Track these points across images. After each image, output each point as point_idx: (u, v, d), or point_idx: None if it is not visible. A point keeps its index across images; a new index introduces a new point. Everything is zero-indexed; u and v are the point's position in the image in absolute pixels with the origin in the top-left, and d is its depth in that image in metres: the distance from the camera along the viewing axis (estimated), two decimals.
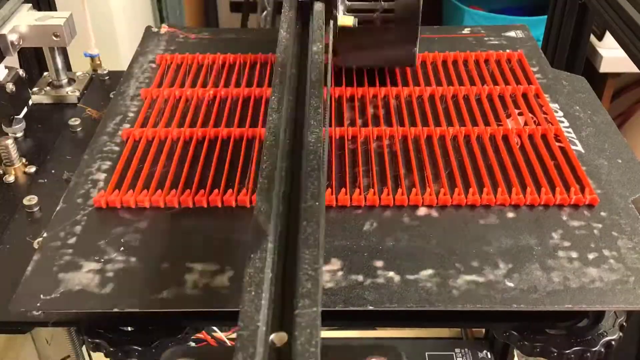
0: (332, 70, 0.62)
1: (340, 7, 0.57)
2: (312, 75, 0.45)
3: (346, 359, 0.25)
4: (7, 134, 0.62)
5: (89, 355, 0.66)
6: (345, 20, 0.55)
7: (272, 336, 0.26)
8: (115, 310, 0.41)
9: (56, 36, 0.66)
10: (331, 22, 0.56)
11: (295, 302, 0.27)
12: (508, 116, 0.58)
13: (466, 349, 0.99)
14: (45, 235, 0.47)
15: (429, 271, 0.43)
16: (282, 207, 0.34)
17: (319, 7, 0.55)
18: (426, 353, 0.97)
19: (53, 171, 0.57)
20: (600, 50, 1.21)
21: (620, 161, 0.54)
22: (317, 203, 0.32)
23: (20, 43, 0.65)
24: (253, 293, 0.28)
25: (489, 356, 0.98)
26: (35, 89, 0.69)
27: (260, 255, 0.30)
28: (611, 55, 1.20)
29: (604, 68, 1.22)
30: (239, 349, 0.25)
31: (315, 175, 0.35)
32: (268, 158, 0.37)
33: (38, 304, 0.41)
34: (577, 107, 0.61)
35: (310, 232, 0.30)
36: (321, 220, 0.32)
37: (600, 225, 0.47)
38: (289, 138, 0.41)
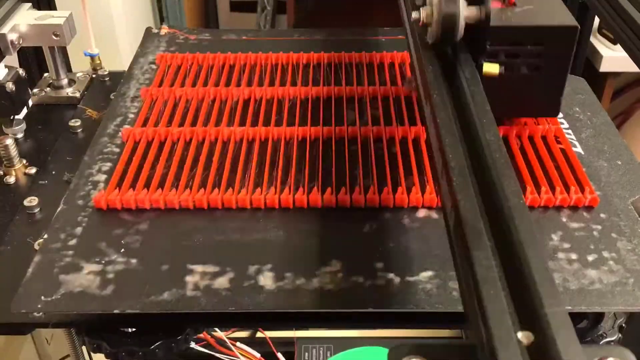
0: None
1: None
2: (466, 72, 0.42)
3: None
4: (7, 135, 0.62)
5: (90, 356, 0.66)
6: (490, 67, 0.46)
7: (518, 335, 0.26)
8: (116, 311, 0.41)
9: (56, 35, 0.66)
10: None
11: (540, 301, 0.26)
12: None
13: None
14: (45, 236, 0.47)
15: (429, 273, 0.44)
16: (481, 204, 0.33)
17: (465, 57, 0.45)
18: None
19: (53, 172, 0.57)
20: (601, 50, 1.21)
21: (619, 163, 0.54)
22: (521, 201, 0.32)
23: (20, 42, 0.66)
24: (492, 292, 0.27)
25: None
26: (35, 90, 0.69)
27: (485, 253, 0.29)
28: (611, 54, 1.20)
29: (604, 67, 1.22)
30: (496, 350, 0.25)
31: (509, 173, 0.34)
32: (454, 156, 0.35)
33: (39, 306, 0.42)
34: (577, 109, 0.61)
35: (526, 231, 0.30)
36: (530, 219, 0.31)
37: (599, 227, 0.47)
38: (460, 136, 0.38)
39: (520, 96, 0.52)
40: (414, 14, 0.45)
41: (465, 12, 0.43)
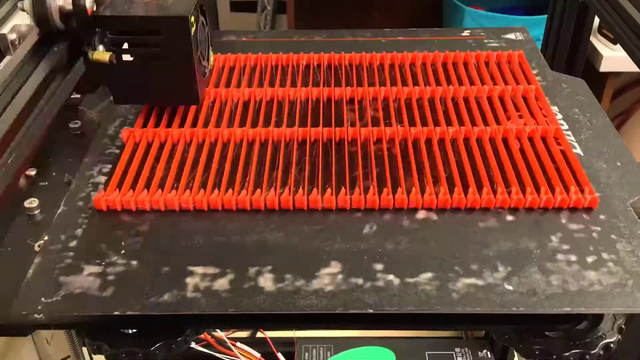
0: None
1: (99, 43, 0.54)
2: None
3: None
4: None
5: (90, 357, 0.67)
6: (101, 55, 0.52)
7: None
8: (116, 313, 0.41)
9: None
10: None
11: None
12: (508, 118, 0.58)
13: (466, 349, 0.99)
14: (46, 238, 0.47)
15: (429, 274, 0.44)
16: None
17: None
18: (426, 352, 0.98)
19: (54, 174, 0.57)
20: (601, 50, 1.21)
21: (619, 164, 0.54)
22: None
23: (20, 42, 0.65)
24: None
25: (489, 355, 0.98)
26: None
27: None
28: (611, 54, 1.20)
29: (604, 67, 1.22)
30: None
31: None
32: None
33: (39, 307, 0.42)
34: (577, 110, 0.61)
35: None
36: None
37: (599, 229, 0.47)
38: None
39: (157, 84, 0.56)
40: (19, 4, 0.51)
41: (60, 2, 0.50)
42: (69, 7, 0.50)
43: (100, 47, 0.53)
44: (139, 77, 0.56)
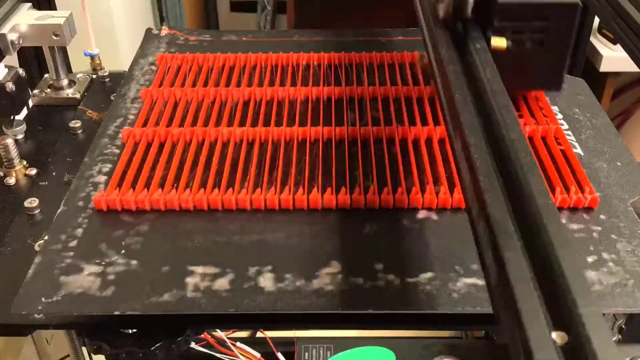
0: None
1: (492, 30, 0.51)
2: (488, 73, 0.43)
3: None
4: (7, 135, 0.62)
5: (90, 357, 0.67)
6: (498, 42, 0.50)
7: (553, 335, 0.26)
8: (116, 313, 0.41)
9: (56, 35, 0.66)
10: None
11: (574, 301, 0.26)
12: None
13: None
14: (46, 237, 0.47)
15: (429, 274, 0.44)
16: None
17: (476, 32, 0.48)
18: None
19: (54, 173, 0.57)
20: (601, 50, 1.21)
21: (619, 164, 0.54)
22: (549, 201, 0.32)
23: (20, 42, 0.66)
24: (525, 292, 0.27)
25: None
26: (35, 91, 0.69)
27: (515, 254, 0.29)
28: (611, 54, 1.20)
29: (604, 67, 1.22)
30: (532, 350, 0.24)
31: (536, 172, 0.34)
32: (479, 156, 0.35)
33: (39, 307, 0.42)
34: (577, 110, 0.61)
35: (557, 231, 0.30)
36: (559, 219, 0.31)
37: (599, 228, 0.47)
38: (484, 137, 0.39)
39: (527, 70, 0.55)
40: None
41: None
42: None
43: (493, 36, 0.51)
44: (517, 62, 0.53)
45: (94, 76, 0.72)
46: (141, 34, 0.75)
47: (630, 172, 0.53)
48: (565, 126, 0.58)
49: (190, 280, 0.43)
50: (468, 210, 0.36)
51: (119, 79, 0.68)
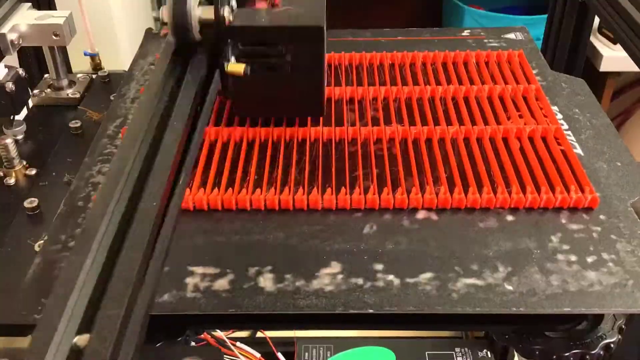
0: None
1: (232, 54, 0.49)
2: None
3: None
4: (7, 136, 0.62)
5: None
6: (235, 67, 0.47)
7: (76, 338, 0.26)
8: None
9: (56, 35, 0.66)
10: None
11: (103, 304, 0.27)
12: (508, 118, 0.58)
13: (466, 348, 0.99)
14: (46, 238, 0.47)
15: (429, 274, 0.44)
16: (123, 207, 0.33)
17: (200, 58, 0.46)
18: (426, 352, 0.97)
19: (54, 174, 0.57)
20: (601, 50, 1.21)
21: (619, 164, 0.54)
22: (154, 204, 0.32)
23: (20, 42, 0.65)
24: (60, 295, 0.27)
25: (489, 355, 0.98)
26: (35, 91, 0.69)
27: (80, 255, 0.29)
28: (611, 54, 1.20)
29: (604, 67, 1.22)
30: (31, 352, 0.25)
31: (162, 174, 0.34)
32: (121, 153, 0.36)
33: (39, 307, 0.42)
34: (577, 110, 0.61)
35: (138, 233, 0.30)
36: (158, 222, 0.31)
37: (599, 229, 0.47)
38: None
39: (282, 95, 0.54)
40: (153, 13, 0.46)
41: (199, 12, 0.44)
42: (209, 16, 0.45)
43: (232, 59, 0.49)
44: (265, 88, 0.53)
45: (94, 76, 0.72)
46: (141, 34, 0.75)
47: (630, 173, 0.53)
48: (565, 126, 0.58)
49: (190, 281, 0.43)
50: None
51: (118, 79, 0.68)
